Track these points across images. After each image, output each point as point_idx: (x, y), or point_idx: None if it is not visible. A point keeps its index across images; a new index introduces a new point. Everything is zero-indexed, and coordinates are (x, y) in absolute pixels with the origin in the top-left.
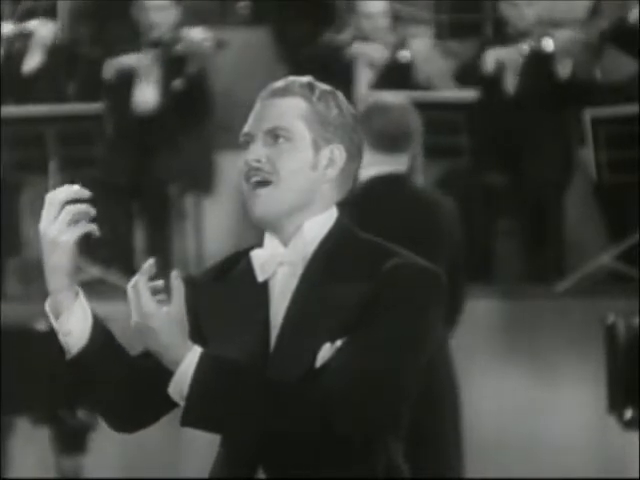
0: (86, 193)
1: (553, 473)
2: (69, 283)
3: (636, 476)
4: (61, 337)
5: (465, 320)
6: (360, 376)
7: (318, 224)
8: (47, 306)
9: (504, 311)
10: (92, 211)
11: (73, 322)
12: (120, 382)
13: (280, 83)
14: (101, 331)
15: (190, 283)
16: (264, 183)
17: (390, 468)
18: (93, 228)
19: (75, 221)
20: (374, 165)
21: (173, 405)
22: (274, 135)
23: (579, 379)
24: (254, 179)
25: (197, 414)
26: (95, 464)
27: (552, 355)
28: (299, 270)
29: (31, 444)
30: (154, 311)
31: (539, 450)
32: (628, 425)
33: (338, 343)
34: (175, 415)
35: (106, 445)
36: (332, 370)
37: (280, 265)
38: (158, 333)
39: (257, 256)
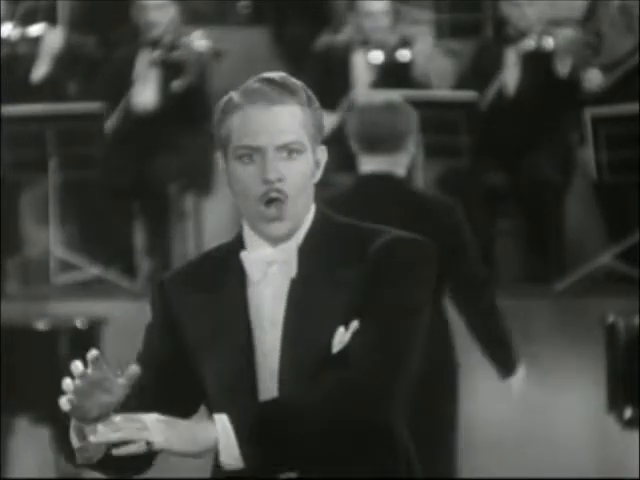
0: None
1: (552, 472)
2: None
3: (636, 476)
4: None
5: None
6: (384, 355)
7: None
8: None
9: (504, 311)
10: None
11: None
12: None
13: (268, 88)
14: None
15: (165, 285)
16: (282, 200)
17: (409, 455)
18: None
19: None
20: (364, 165)
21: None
22: (288, 150)
23: (579, 378)
24: (273, 197)
25: (261, 463)
26: None
27: (552, 354)
28: (292, 266)
29: (31, 444)
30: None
31: (539, 449)
32: (628, 424)
33: (353, 325)
34: None
35: None
36: (357, 355)
37: (270, 265)
38: (171, 442)
39: (248, 258)
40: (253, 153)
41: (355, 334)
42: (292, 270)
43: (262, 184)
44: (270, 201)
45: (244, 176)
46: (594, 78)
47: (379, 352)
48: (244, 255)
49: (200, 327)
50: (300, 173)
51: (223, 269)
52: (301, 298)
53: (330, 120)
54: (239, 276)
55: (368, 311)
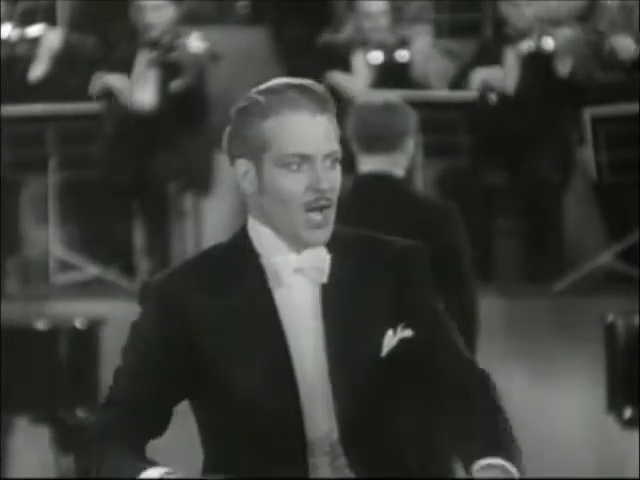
0: None
1: (552, 472)
2: None
3: (636, 476)
4: None
5: None
6: (445, 354)
7: None
8: None
9: (504, 310)
10: None
11: None
12: None
13: (305, 96)
14: None
15: (161, 287)
16: (330, 207)
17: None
18: None
19: None
20: (362, 165)
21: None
22: (333, 159)
23: (578, 378)
24: (323, 204)
25: None
26: None
27: (551, 354)
28: (323, 271)
29: (31, 444)
30: None
31: (538, 449)
32: (627, 424)
33: (403, 332)
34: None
35: None
36: (420, 358)
37: (299, 270)
38: None
39: (276, 263)
40: (302, 161)
41: (406, 339)
42: (323, 276)
43: (312, 192)
44: (320, 209)
45: (289, 184)
46: (627, 45)
47: (439, 352)
48: (273, 260)
49: (211, 329)
50: (340, 180)
51: (231, 271)
52: (338, 303)
53: (348, 80)
54: (259, 280)
55: (415, 315)
